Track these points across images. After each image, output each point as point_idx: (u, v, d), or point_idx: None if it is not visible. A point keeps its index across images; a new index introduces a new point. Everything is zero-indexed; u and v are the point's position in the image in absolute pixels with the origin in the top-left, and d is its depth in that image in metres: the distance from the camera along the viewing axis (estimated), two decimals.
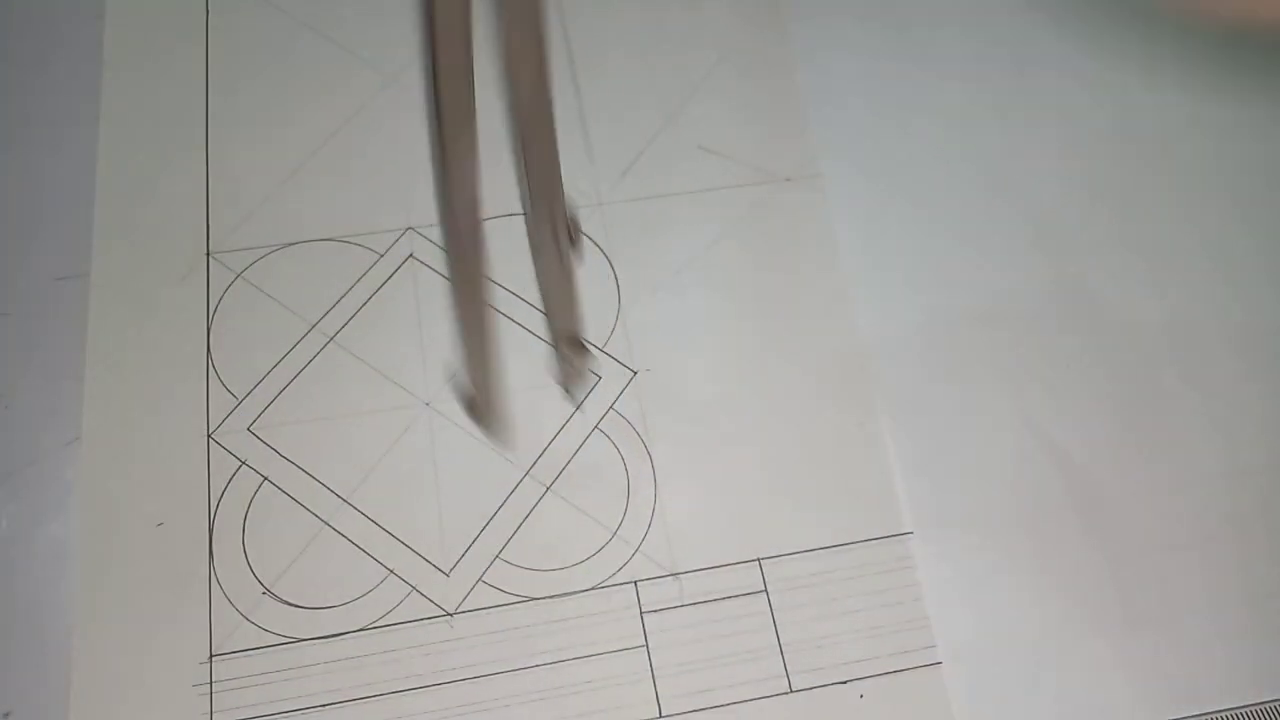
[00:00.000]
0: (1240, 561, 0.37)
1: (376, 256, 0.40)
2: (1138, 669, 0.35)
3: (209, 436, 0.37)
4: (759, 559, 0.36)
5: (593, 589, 0.35)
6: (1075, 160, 0.44)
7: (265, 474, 0.37)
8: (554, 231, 0.28)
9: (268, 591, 0.35)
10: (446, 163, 0.24)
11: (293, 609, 0.35)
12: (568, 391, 0.38)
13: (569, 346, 0.33)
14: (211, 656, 0.34)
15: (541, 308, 0.32)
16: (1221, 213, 0.43)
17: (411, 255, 0.40)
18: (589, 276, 0.40)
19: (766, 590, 0.36)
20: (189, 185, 0.41)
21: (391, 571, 0.35)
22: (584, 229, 0.41)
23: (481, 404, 0.31)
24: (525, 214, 0.28)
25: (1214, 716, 0.35)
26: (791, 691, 0.34)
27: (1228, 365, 0.40)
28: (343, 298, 0.39)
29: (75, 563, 0.35)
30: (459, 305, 0.28)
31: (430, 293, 0.40)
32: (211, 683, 0.34)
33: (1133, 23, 0.47)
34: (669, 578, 0.36)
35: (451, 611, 0.35)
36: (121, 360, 0.38)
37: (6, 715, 0.33)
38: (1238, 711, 0.35)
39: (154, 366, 0.38)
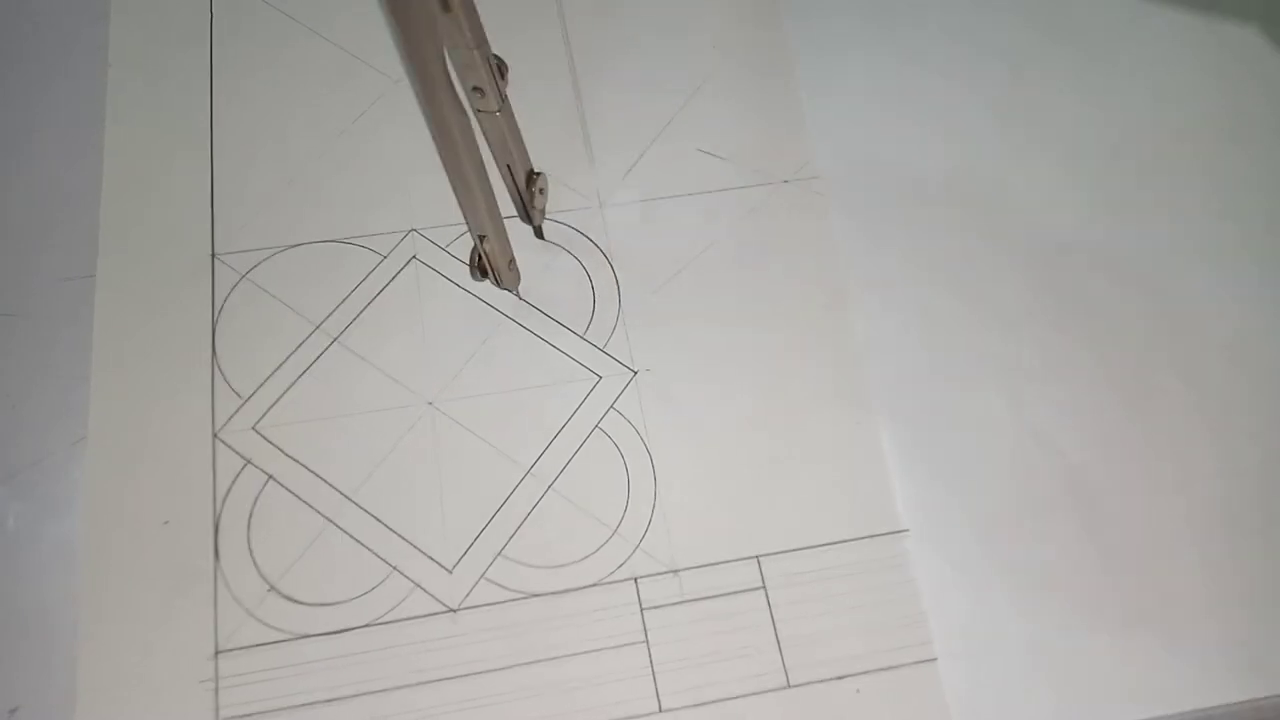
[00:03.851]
0: (1236, 559, 0.37)
1: (380, 258, 0.40)
2: (1132, 664, 0.35)
3: (214, 436, 0.37)
4: (757, 556, 0.36)
5: (593, 585, 0.36)
6: (1072, 161, 0.44)
7: (270, 472, 0.37)
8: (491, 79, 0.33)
9: (272, 588, 0.35)
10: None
11: (297, 605, 0.35)
12: (535, 226, 0.41)
13: (529, 182, 0.38)
14: (217, 652, 0.34)
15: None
16: (1216, 213, 0.43)
17: (414, 257, 0.41)
18: (590, 277, 0.41)
19: (765, 587, 0.36)
20: (194, 187, 0.41)
21: (395, 568, 0.36)
22: (585, 231, 0.41)
23: (497, 265, 0.37)
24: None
25: (1208, 713, 0.35)
26: (789, 686, 0.35)
27: (1223, 364, 0.40)
28: (346, 298, 0.40)
29: (82, 560, 0.35)
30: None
31: (433, 294, 0.40)
32: (217, 678, 0.34)
33: (1126, 27, 0.47)
34: (669, 574, 0.36)
35: (454, 608, 0.35)
36: (127, 360, 0.38)
37: (13, 711, 0.33)
38: (1232, 708, 0.35)
39: (160, 366, 0.38)
